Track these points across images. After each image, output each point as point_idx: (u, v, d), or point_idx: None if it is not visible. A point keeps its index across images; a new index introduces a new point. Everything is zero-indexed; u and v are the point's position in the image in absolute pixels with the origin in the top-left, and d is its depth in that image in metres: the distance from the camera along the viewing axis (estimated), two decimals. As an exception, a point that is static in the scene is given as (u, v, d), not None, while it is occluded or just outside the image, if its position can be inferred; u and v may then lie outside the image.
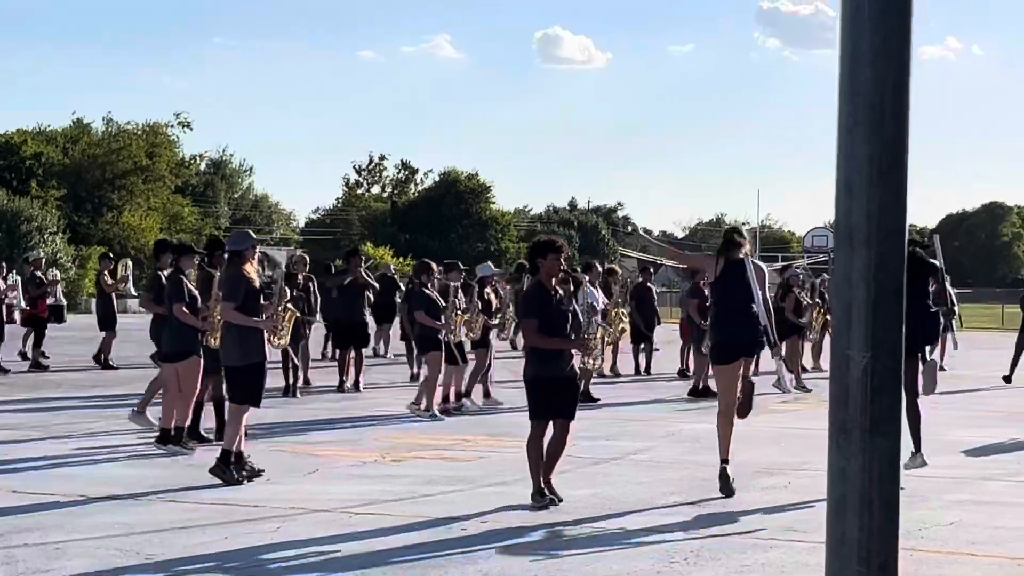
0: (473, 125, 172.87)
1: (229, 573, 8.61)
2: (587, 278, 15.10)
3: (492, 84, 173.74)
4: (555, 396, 11.25)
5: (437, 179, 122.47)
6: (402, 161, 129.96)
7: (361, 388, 21.58)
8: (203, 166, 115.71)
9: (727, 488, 11.67)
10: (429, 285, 18.63)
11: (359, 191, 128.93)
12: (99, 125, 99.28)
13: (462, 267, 20.07)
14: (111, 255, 30.31)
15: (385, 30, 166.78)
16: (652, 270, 27.98)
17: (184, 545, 9.46)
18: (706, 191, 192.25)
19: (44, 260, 28.96)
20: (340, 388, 21.55)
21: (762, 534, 10.09)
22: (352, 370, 21.82)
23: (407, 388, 21.70)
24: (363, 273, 22.47)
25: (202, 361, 14.26)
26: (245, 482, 12.10)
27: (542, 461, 11.26)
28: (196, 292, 14.54)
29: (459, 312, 18.53)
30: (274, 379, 17.07)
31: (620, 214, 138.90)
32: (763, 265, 12.56)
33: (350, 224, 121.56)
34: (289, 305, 15.12)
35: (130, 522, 10.33)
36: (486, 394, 19.83)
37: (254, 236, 12.82)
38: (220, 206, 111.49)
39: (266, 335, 12.74)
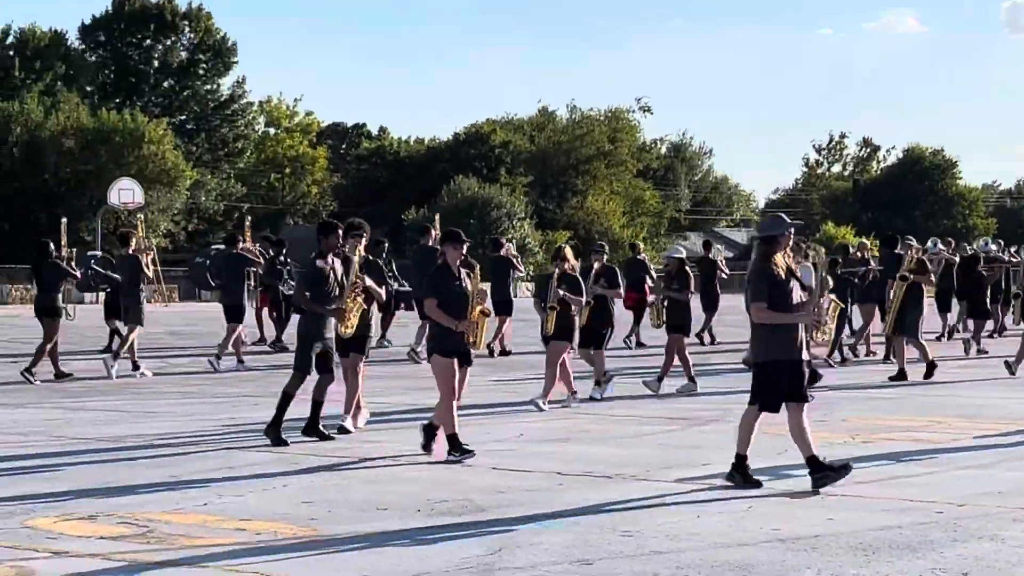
0: (937, 100, 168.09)
1: (701, 551, 8.66)
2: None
3: (956, 57, 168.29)
4: None
5: (900, 156, 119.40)
6: (863, 139, 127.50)
7: None
8: (663, 149, 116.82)
9: None
10: None
11: (819, 170, 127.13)
12: (563, 112, 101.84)
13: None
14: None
15: (844, 5, 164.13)
16: None
17: (658, 522, 9.58)
18: None
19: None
20: None
21: None
22: None
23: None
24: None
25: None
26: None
27: None
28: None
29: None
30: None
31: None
32: None
33: (810, 204, 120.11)
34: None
35: (603, 499, 10.56)
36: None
37: (788, 220, 11.41)
38: (680, 189, 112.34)
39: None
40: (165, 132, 76.35)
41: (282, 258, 28.75)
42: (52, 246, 22.44)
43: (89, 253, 36.86)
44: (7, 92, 76.23)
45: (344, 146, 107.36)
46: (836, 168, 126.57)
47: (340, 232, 14.01)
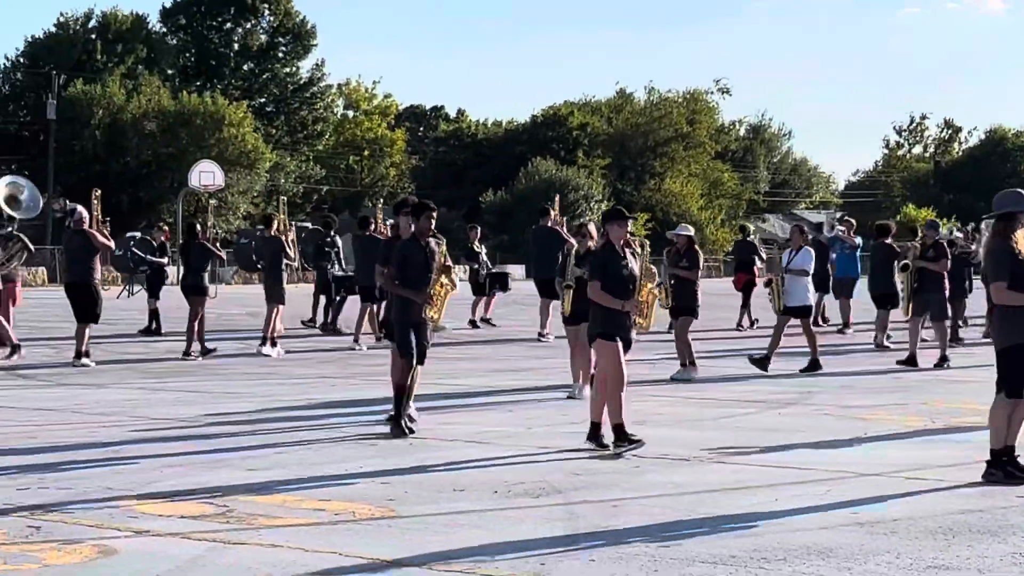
0: (1020, 80, 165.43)
1: (779, 533, 8.62)
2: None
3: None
4: None
5: (982, 137, 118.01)
6: (945, 120, 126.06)
7: None
8: (742, 131, 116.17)
9: None
10: None
11: (899, 152, 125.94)
12: (641, 94, 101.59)
13: None
14: None
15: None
16: None
17: (736, 505, 9.56)
18: None
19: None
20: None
21: None
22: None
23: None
24: None
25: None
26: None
27: None
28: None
29: None
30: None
31: None
32: None
33: (891, 186, 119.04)
34: None
35: (681, 481, 10.55)
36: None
37: None
38: (759, 171, 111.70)
39: None
40: (245, 115, 76.94)
41: (330, 239, 28.26)
42: (199, 227, 23.42)
43: (128, 235, 36.79)
44: (89, 76, 77.06)
45: (422, 128, 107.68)
46: (917, 150, 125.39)
47: (432, 213, 13.33)
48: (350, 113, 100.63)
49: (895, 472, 10.89)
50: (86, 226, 20.82)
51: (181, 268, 23.42)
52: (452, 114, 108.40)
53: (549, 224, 24.49)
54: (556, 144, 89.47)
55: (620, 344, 12.11)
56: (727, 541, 8.39)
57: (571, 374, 16.26)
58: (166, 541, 8.34)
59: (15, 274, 22.52)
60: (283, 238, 23.11)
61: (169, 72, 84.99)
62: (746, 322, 28.84)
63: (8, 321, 21.66)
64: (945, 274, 20.81)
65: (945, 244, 21.63)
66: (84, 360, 20.21)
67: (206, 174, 60.14)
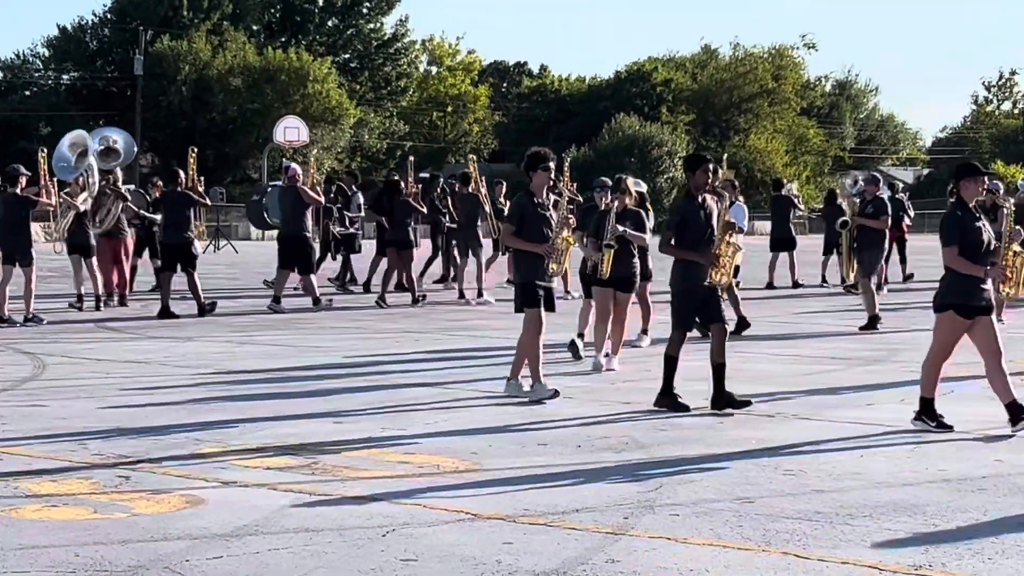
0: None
1: (861, 489, 8.56)
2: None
3: None
4: None
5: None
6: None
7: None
8: (828, 87, 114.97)
9: None
10: None
11: (988, 108, 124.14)
12: (726, 50, 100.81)
13: None
14: None
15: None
16: None
17: (820, 462, 9.51)
18: None
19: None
20: None
21: None
22: None
23: None
24: None
25: None
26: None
27: None
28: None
29: None
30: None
31: None
32: None
33: (979, 142, 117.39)
34: None
35: (765, 437, 10.50)
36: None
37: None
38: (845, 127, 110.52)
39: None
40: (329, 71, 77.15)
41: (331, 195, 27.42)
42: (403, 184, 24.29)
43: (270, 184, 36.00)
44: (176, 31, 77.58)
45: (506, 85, 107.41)
46: (1006, 106, 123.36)
47: (710, 167, 12.14)
48: (433, 69, 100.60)
49: (983, 429, 10.78)
50: (299, 183, 22.13)
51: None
52: (535, 70, 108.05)
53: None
54: (640, 100, 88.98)
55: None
56: (811, 497, 8.35)
57: (595, 342, 14.91)
58: (252, 492, 8.43)
59: (122, 228, 22.97)
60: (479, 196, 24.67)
61: (254, 28, 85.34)
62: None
63: (120, 277, 22.70)
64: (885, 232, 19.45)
65: (886, 200, 20.12)
66: (278, 305, 21.73)
67: (291, 130, 60.42)
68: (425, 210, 25.15)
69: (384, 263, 24.10)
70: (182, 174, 21.87)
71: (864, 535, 7.43)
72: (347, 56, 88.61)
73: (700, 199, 11.98)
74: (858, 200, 19.26)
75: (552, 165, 12.60)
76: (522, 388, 12.47)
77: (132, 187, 24.11)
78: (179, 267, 21.03)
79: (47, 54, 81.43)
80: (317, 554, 6.96)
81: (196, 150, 22.44)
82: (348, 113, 77.36)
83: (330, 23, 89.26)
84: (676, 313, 11.99)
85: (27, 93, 78.88)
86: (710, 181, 12.20)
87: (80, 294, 21.55)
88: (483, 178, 25.92)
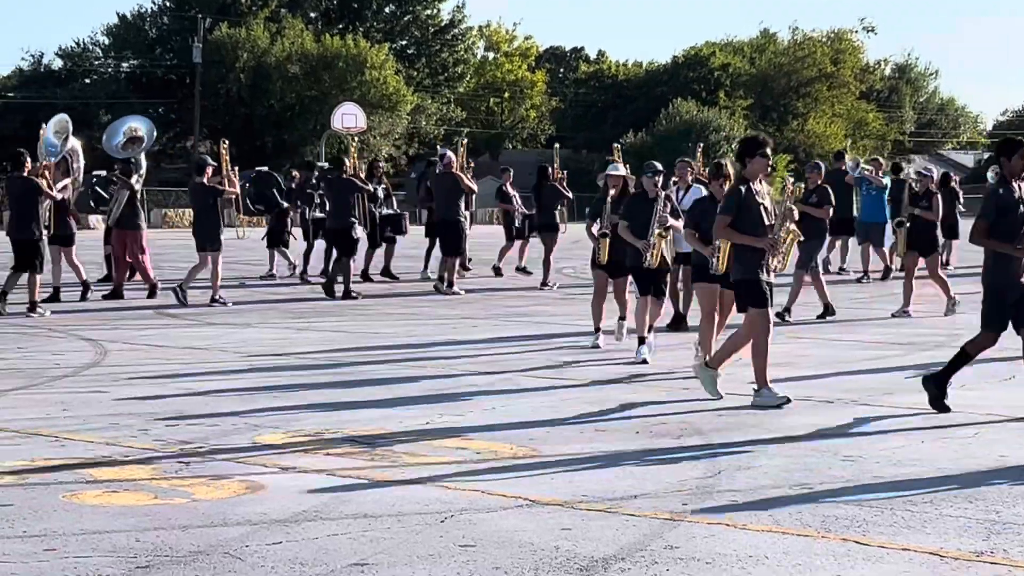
0: None
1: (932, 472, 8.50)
2: None
3: None
4: None
5: None
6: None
7: None
8: (887, 71, 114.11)
9: None
10: None
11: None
12: (785, 34, 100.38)
13: None
14: None
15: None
16: None
17: (881, 448, 9.44)
18: None
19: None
20: None
21: None
22: None
23: None
24: None
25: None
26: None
27: None
28: None
29: None
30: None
31: None
32: None
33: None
34: None
35: (824, 424, 10.44)
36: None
37: None
38: (904, 111, 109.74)
39: None
40: (387, 57, 77.34)
41: (314, 182, 26.88)
42: (550, 169, 25.43)
43: (94, 173, 31.69)
44: (234, 20, 77.97)
45: (562, 70, 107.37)
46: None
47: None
48: (490, 55, 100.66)
49: (1046, 416, 10.67)
50: (454, 168, 23.45)
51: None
52: (592, 55, 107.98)
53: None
54: (697, 85, 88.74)
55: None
56: (871, 483, 8.29)
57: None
58: (311, 477, 8.46)
59: (137, 220, 22.53)
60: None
61: (312, 15, 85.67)
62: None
63: (137, 269, 22.50)
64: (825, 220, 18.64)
65: (829, 189, 18.92)
66: (453, 289, 22.82)
67: (348, 116, 60.62)
68: (570, 195, 26.18)
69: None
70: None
71: (925, 521, 7.37)
72: (404, 42, 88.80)
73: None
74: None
75: (770, 151, 11.80)
76: (712, 381, 11.72)
77: (103, 172, 23.75)
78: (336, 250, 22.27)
79: (107, 42, 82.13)
80: (376, 540, 6.98)
81: (227, 141, 22.52)
82: (405, 99, 77.55)
83: (387, 9, 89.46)
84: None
85: (87, 81, 79.60)
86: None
87: (57, 286, 21.02)
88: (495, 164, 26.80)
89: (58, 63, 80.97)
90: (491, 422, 10.53)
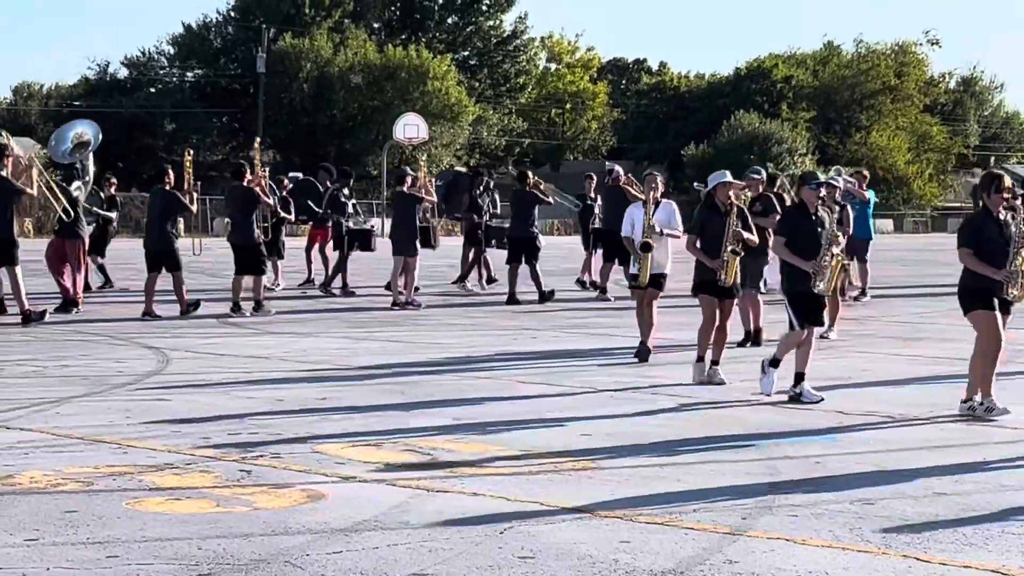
0: None
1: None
2: None
3: None
4: None
5: None
6: None
7: None
8: (952, 84, 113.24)
9: None
10: None
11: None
12: (849, 47, 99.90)
13: None
14: None
15: None
16: None
17: (942, 464, 9.38)
18: None
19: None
20: None
21: None
22: None
23: None
24: None
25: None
26: None
27: None
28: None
29: None
30: None
31: None
32: None
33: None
34: None
35: (886, 438, 10.39)
36: None
37: None
38: (969, 124, 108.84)
39: None
40: (449, 68, 77.56)
41: (347, 191, 26.41)
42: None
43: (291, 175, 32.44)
44: (298, 30, 78.46)
45: (624, 82, 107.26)
46: None
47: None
48: (552, 66, 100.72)
49: (1111, 434, 10.57)
50: (622, 182, 23.98)
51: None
52: (654, 67, 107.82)
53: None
54: (760, 97, 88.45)
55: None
56: (932, 499, 8.24)
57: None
58: (372, 487, 8.50)
59: (76, 228, 21.48)
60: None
61: (375, 26, 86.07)
62: None
63: (71, 277, 21.32)
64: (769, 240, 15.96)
65: (773, 198, 17.10)
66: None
67: (410, 127, 60.84)
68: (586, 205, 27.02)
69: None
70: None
71: (987, 538, 7.32)
72: (466, 53, 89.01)
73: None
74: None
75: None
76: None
77: (87, 182, 23.41)
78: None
79: (172, 51, 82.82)
80: (435, 550, 7.00)
81: (192, 152, 22.39)
82: (467, 110, 77.73)
83: (450, 20, 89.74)
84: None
85: (152, 90, 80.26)
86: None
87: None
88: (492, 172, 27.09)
89: (123, 72, 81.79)
90: (550, 434, 10.53)
